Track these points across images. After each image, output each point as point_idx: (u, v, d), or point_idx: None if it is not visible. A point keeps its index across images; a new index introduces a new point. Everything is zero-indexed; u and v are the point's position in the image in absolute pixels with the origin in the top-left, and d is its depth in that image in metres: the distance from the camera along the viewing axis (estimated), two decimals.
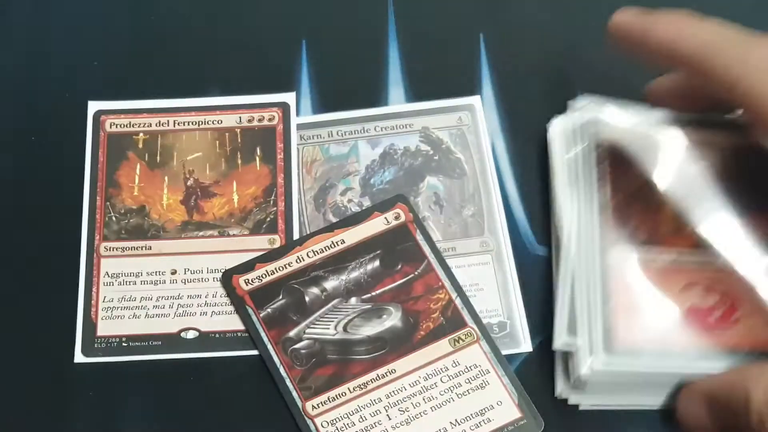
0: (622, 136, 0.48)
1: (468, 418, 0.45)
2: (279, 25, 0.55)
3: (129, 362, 0.47)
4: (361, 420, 0.45)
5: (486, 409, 0.45)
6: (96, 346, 0.48)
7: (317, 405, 0.45)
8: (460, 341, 0.47)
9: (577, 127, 0.49)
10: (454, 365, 0.46)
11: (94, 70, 0.54)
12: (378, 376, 0.46)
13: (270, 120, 0.53)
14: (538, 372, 0.47)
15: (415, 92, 0.53)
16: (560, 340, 0.44)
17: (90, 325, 0.48)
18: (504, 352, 0.47)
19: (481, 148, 0.52)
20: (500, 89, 0.53)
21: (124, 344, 0.48)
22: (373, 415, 0.45)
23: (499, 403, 0.45)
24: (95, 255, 0.50)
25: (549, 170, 0.50)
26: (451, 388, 0.46)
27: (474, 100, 0.53)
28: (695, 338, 0.45)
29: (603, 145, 0.48)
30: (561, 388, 0.46)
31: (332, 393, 0.46)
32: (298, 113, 0.53)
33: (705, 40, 0.42)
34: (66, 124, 0.53)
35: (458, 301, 0.47)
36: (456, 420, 0.45)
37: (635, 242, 0.46)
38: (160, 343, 0.48)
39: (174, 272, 0.49)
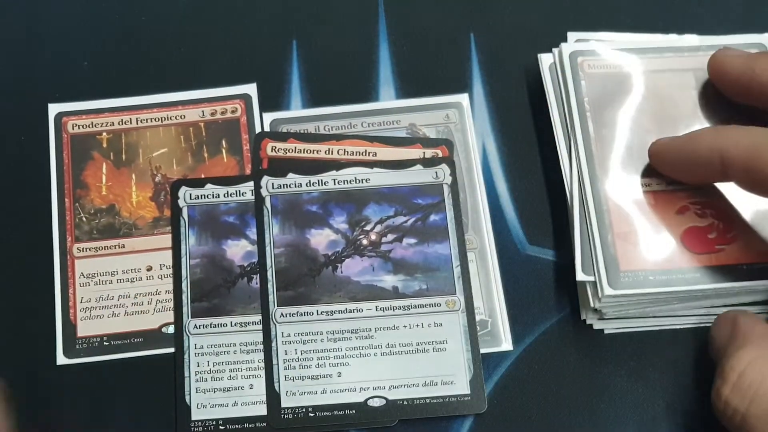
0: (604, 68, 0.50)
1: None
2: (269, 24, 0.55)
3: (112, 361, 0.48)
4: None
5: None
6: (77, 347, 0.48)
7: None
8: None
9: (566, 61, 0.50)
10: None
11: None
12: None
13: (233, 112, 0.53)
14: (517, 373, 0.47)
15: (405, 92, 0.53)
16: (578, 276, 0.46)
17: (70, 327, 0.49)
18: (484, 350, 0.47)
19: (468, 146, 0.51)
20: (491, 89, 0.53)
21: (105, 343, 0.48)
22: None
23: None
24: (69, 257, 0.50)
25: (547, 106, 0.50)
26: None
27: (462, 97, 0.52)
28: (695, 258, 0.46)
29: (586, 78, 0.49)
30: (585, 314, 0.47)
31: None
32: (288, 109, 0.53)
33: None
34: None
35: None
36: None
37: (625, 172, 0.48)
38: (141, 339, 0.48)
39: (150, 269, 0.50)
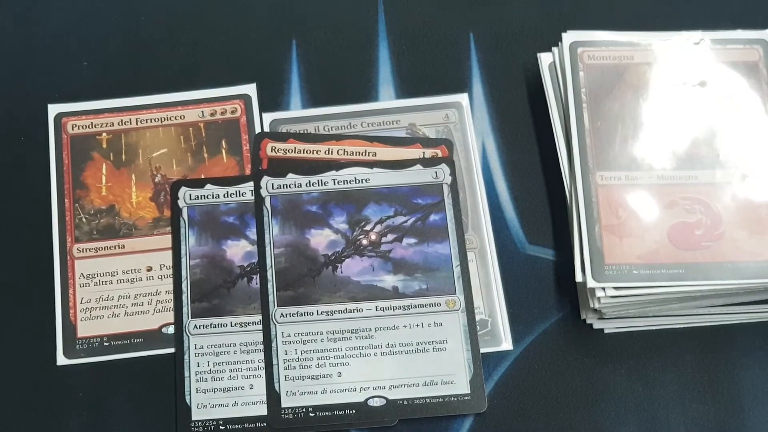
0: (603, 59, 0.50)
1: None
2: (269, 24, 0.55)
3: (112, 361, 0.48)
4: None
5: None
6: (78, 347, 0.48)
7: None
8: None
9: (566, 51, 0.50)
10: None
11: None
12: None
13: (233, 112, 0.53)
14: (517, 372, 0.47)
15: (405, 91, 0.53)
16: (578, 276, 0.46)
17: (70, 327, 0.49)
18: (484, 350, 0.47)
19: (467, 145, 0.51)
20: (491, 89, 0.53)
21: (105, 344, 0.48)
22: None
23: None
24: (69, 257, 0.50)
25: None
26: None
27: (461, 97, 0.52)
28: (680, 254, 0.46)
29: (585, 69, 0.50)
30: (585, 314, 0.47)
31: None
32: (288, 109, 0.53)
33: None
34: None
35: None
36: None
37: (618, 165, 0.48)
38: (141, 340, 0.48)
39: (150, 269, 0.50)
